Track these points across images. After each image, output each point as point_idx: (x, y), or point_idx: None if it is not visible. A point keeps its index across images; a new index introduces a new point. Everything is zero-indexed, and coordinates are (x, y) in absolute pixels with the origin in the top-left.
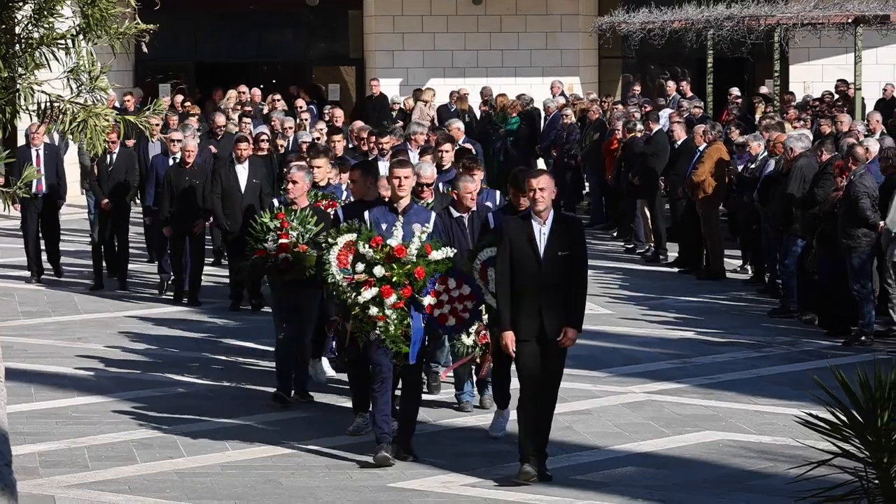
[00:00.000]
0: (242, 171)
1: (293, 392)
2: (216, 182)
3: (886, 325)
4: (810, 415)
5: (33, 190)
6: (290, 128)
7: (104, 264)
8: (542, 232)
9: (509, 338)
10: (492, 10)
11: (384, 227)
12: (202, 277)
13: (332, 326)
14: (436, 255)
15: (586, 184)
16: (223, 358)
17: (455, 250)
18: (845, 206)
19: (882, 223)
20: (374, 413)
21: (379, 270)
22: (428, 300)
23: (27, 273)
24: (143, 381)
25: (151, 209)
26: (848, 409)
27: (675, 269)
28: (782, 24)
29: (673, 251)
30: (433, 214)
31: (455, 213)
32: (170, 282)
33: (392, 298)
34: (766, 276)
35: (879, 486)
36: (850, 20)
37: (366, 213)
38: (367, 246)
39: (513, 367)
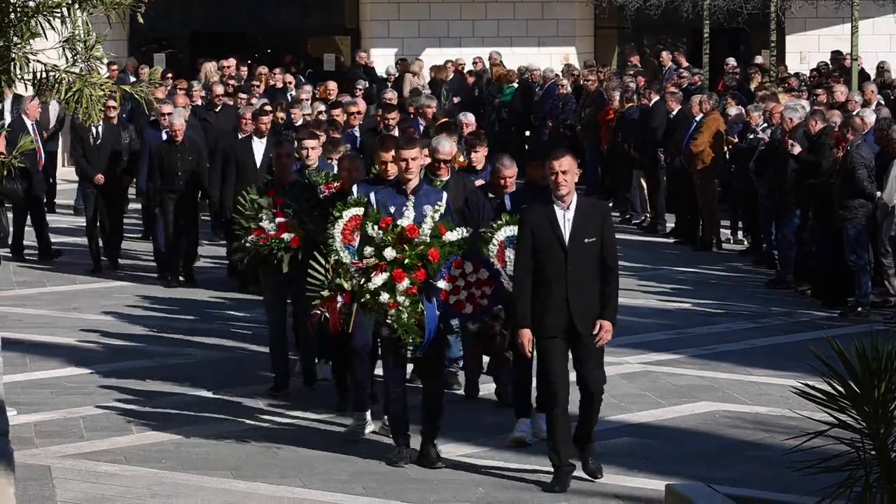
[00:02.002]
0: (259, 146)
1: (303, 382)
2: (226, 159)
3: (882, 296)
4: (806, 385)
5: (36, 167)
6: (305, 100)
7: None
8: (565, 217)
9: (525, 336)
10: None
11: (392, 209)
12: (198, 254)
13: (314, 320)
14: (450, 235)
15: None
16: (219, 331)
17: (469, 230)
18: (842, 177)
19: (878, 194)
20: (389, 416)
21: (389, 253)
22: (442, 285)
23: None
24: (138, 352)
25: (144, 189)
26: (844, 379)
27: (671, 240)
28: None
29: (669, 222)
30: (444, 194)
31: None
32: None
33: (404, 283)
34: (763, 246)
35: (876, 457)
36: None
37: (371, 195)
38: (375, 227)
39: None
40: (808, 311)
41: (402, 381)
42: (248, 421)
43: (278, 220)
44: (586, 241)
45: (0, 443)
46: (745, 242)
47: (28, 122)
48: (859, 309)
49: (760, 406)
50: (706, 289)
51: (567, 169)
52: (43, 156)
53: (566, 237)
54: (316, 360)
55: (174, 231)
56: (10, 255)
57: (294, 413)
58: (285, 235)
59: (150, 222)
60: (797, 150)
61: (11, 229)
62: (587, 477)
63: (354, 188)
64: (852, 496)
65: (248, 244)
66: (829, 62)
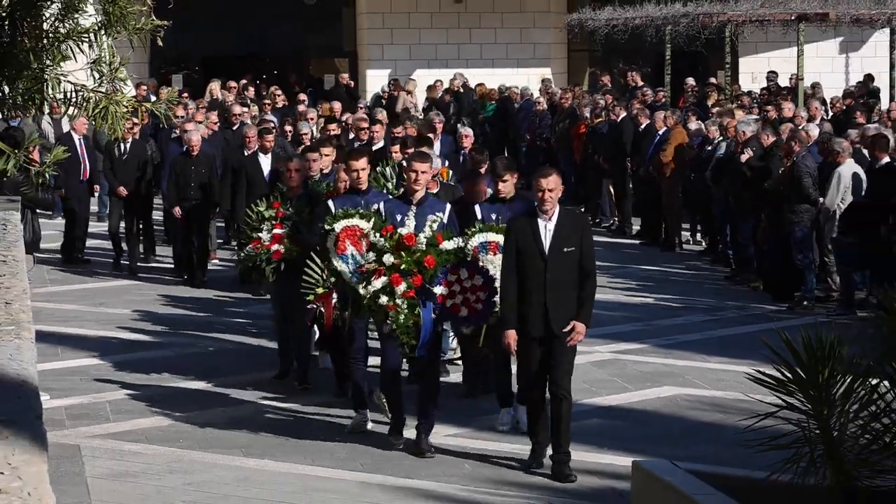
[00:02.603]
0: (265, 161)
1: (296, 381)
2: (237, 173)
3: (826, 291)
4: (758, 371)
5: (80, 177)
6: (313, 119)
7: (123, 247)
8: (547, 228)
9: (511, 337)
10: (471, 7)
11: (399, 217)
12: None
13: (312, 313)
14: (447, 244)
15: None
16: (231, 326)
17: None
18: (789, 185)
19: (822, 200)
20: (392, 419)
21: (388, 258)
22: (439, 290)
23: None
24: (158, 343)
25: (165, 192)
26: (792, 366)
27: (637, 241)
28: (733, 21)
29: (635, 225)
30: (448, 206)
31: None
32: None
33: (402, 287)
34: (719, 247)
35: (820, 435)
36: (793, 17)
37: (381, 204)
38: (377, 235)
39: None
40: (760, 304)
41: (398, 374)
42: (257, 405)
43: (275, 231)
44: (566, 250)
45: (34, 424)
46: (703, 243)
47: (76, 137)
48: (805, 303)
49: (717, 390)
50: (669, 285)
51: (553, 187)
52: (87, 165)
53: (546, 247)
54: (317, 352)
55: (187, 235)
56: (61, 257)
57: (298, 398)
58: (273, 247)
59: (169, 228)
60: (745, 157)
61: (43, 233)
62: (560, 482)
63: (330, 203)
64: (798, 470)
65: (243, 254)
66: (774, 82)
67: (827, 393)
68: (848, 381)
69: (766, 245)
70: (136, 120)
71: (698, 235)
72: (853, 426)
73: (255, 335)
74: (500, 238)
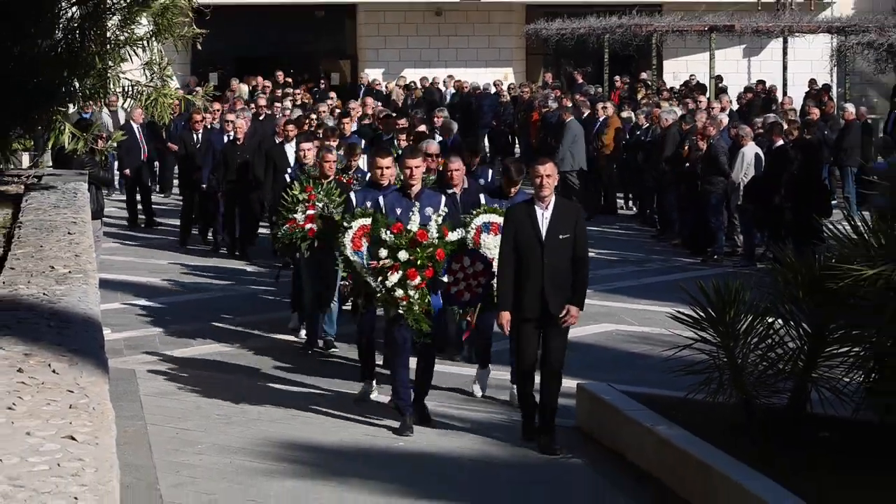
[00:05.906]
0: (290, 149)
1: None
2: (267, 159)
3: (732, 247)
4: (678, 312)
5: (141, 157)
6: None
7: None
8: (544, 216)
9: (504, 318)
10: (449, 20)
11: (398, 211)
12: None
13: (345, 289)
14: (452, 236)
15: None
16: (262, 276)
17: (465, 231)
18: (706, 161)
19: (731, 173)
20: (395, 384)
21: (403, 255)
22: (446, 278)
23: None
24: (197, 287)
25: (209, 179)
26: (705, 307)
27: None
28: (658, 31)
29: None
30: (443, 197)
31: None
32: (221, 240)
33: (416, 280)
34: (647, 211)
35: (727, 363)
36: (706, 28)
37: (380, 199)
38: (388, 233)
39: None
40: (680, 258)
41: (407, 355)
42: (280, 337)
43: (308, 212)
44: (561, 237)
45: (98, 353)
46: (634, 209)
47: (135, 126)
48: (716, 257)
49: (645, 327)
50: (606, 242)
51: (550, 173)
52: (146, 148)
53: (543, 233)
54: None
55: (231, 215)
56: (127, 221)
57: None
58: (307, 225)
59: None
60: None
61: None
62: (547, 455)
63: (352, 195)
64: (710, 391)
65: (280, 234)
66: (689, 82)
67: (732, 329)
68: (749, 319)
69: (684, 211)
70: (205, 115)
71: (630, 202)
72: (753, 356)
73: (283, 286)
74: (501, 220)
